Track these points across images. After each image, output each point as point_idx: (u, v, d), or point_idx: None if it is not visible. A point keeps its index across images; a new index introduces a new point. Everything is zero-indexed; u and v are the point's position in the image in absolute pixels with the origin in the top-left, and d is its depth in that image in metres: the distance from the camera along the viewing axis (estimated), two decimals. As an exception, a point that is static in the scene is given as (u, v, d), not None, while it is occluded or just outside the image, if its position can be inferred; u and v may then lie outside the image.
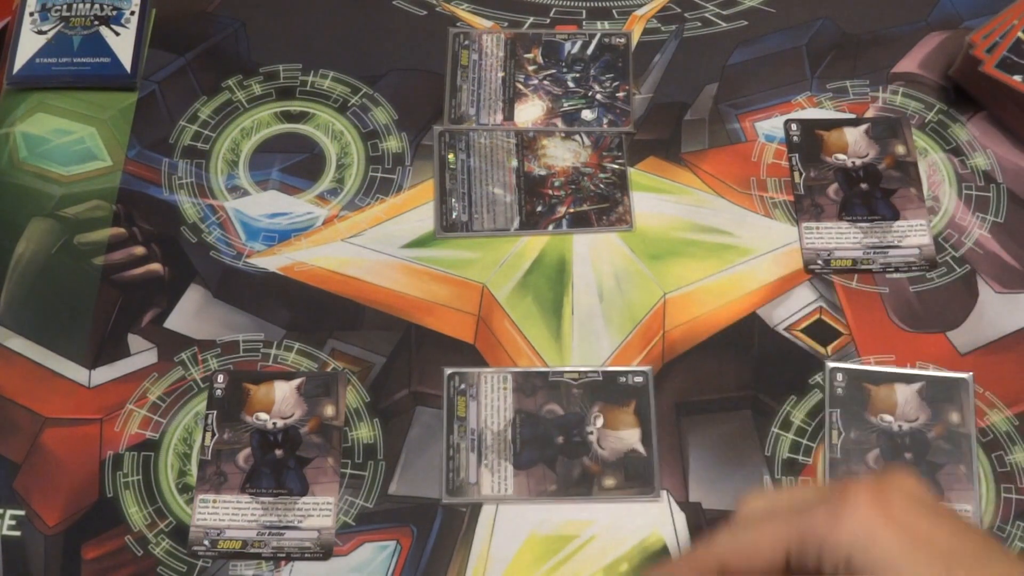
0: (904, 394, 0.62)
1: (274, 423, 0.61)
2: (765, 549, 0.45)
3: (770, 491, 0.51)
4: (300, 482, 0.60)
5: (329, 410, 0.62)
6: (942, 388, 0.63)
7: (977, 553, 0.44)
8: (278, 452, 0.60)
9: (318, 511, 0.59)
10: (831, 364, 0.64)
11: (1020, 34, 0.69)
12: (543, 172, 0.70)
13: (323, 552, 0.58)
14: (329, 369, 0.64)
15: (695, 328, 0.65)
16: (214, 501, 0.59)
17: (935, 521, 0.44)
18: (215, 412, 0.62)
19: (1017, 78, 0.68)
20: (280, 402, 0.62)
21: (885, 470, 0.46)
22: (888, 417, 0.62)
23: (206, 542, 0.59)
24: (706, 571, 0.46)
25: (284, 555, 0.58)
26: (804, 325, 0.66)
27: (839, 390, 0.63)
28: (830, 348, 0.65)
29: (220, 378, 0.62)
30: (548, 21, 0.77)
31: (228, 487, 0.60)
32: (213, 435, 0.61)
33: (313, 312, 0.67)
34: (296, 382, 0.63)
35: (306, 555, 0.58)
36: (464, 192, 0.70)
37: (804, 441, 0.62)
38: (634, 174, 0.71)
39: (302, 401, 0.62)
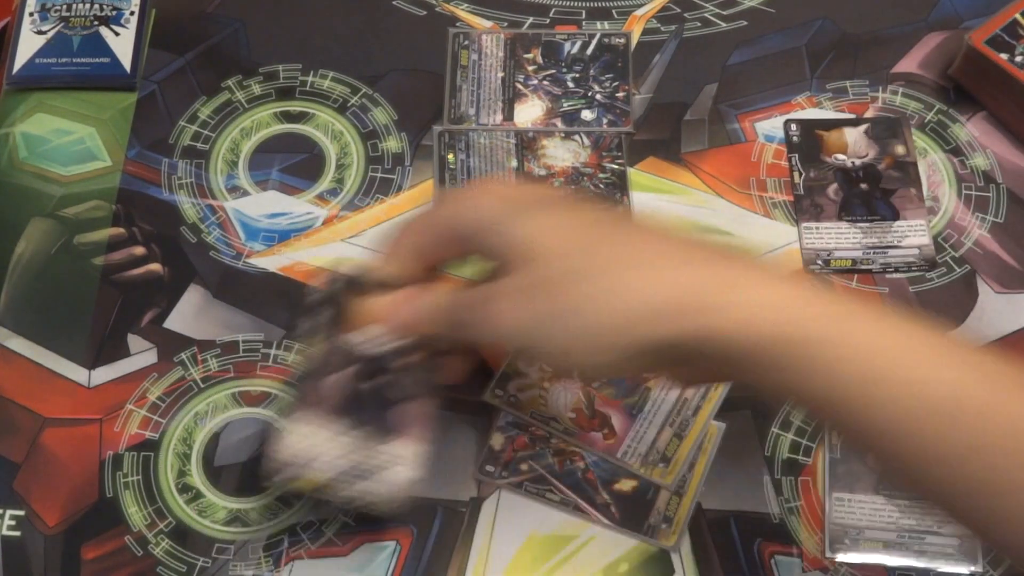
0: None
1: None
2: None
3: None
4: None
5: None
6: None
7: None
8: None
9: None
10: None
11: (1018, 15, 0.70)
12: (543, 172, 0.70)
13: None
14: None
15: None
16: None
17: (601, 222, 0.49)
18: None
19: (1004, 56, 0.68)
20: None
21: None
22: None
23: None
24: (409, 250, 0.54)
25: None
26: (804, 325, 0.66)
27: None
28: (830, 348, 0.65)
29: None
30: (548, 21, 0.77)
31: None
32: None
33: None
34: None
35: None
36: (464, 192, 0.70)
37: (804, 441, 0.62)
38: (634, 174, 0.71)
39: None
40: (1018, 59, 0.69)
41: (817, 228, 0.68)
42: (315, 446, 0.53)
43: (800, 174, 0.70)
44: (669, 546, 0.59)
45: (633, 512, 0.60)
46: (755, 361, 0.42)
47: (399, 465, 0.54)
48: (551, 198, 0.51)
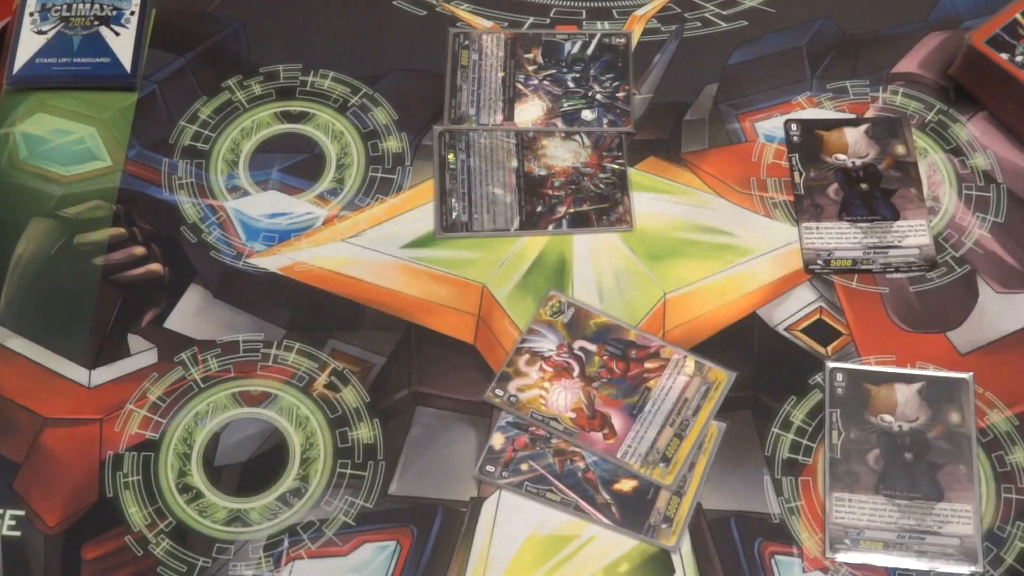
0: (904, 394, 0.62)
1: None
2: None
3: None
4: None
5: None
6: (942, 388, 0.63)
7: None
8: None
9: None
10: (831, 364, 0.64)
11: (1018, 15, 0.69)
12: (543, 172, 0.70)
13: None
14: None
15: (695, 328, 0.65)
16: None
17: None
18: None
19: (1004, 56, 0.68)
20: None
21: None
22: (888, 417, 0.62)
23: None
24: None
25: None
26: (804, 325, 0.66)
27: (839, 390, 0.63)
28: (830, 348, 0.65)
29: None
30: (548, 21, 0.77)
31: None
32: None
33: (313, 312, 0.67)
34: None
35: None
36: (464, 192, 0.70)
37: (804, 441, 0.62)
38: (634, 174, 0.71)
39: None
40: (1018, 59, 0.69)
41: (817, 228, 0.68)
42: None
43: (800, 174, 0.70)
44: (669, 546, 0.59)
45: (633, 512, 0.60)
46: None
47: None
48: None
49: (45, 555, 0.60)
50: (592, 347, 0.63)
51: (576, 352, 0.63)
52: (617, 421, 0.61)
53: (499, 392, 0.63)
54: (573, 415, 0.62)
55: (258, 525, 0.61)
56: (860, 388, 0.63)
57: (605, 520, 0.59)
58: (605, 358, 0.62)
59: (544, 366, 0.63)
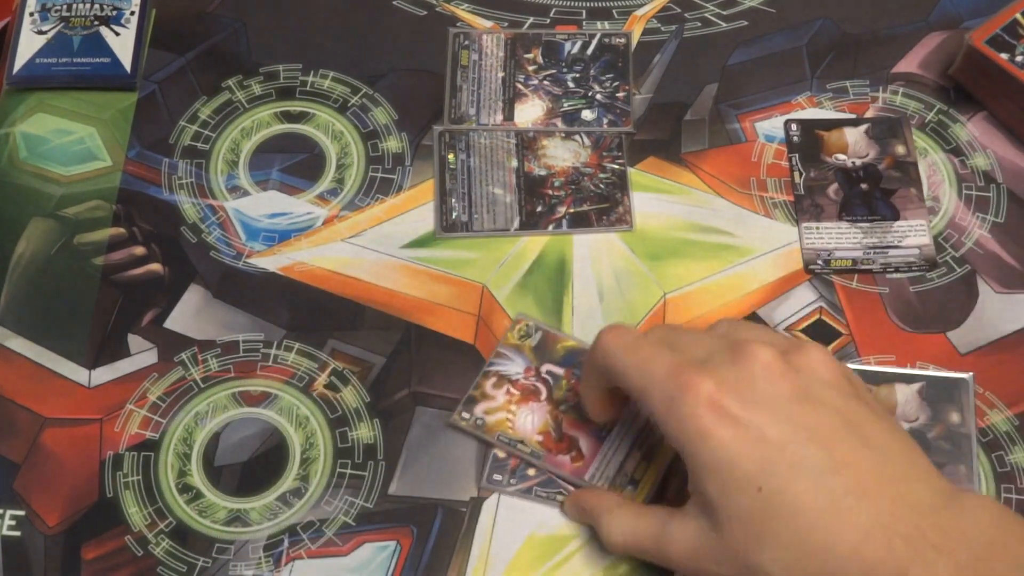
0: (904, 394, 0.62)
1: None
2: (619, 380, 0.52)
3: (629, 333, 0.53)
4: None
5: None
6: (942, 388, 0.63)
7: (805, 465, 0.45)
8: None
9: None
10: None
11: (1018, 15, 0.69)
12: (543, 172, 0.70)
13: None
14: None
15: (695, 328, 0.65)
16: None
17: (778, 416, 0.46)
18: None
19: (1004, 56, 0.68)
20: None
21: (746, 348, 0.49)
22: None
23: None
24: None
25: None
26: (804, 325, 0.66)
27: None
28: (830, 348, 0.65)
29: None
30: (548, 21, 0.77)
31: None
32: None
33: (313, 312, 0.67)
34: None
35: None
36: (464, 192, 0.70)
37: (804, 441, 0.62)
38: (634, 174, 0.71)
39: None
40: (1018, 59, 0.69)
41: (817, 228, 0.68)
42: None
43: (800, 174, 0.70)
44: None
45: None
46: None
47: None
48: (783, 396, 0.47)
49: (45, 555, 0.60)
50: (560, 370, 0.63)
51: (543, 375, 0.63)
52: (584, 444, 0.61)
53: (465, 415, 0.62)
54: (540, 438, 0.61)
55: (258, 525, 0.61)
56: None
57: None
58: (573, 381, 0.62)
59: (511, 389, 0.63)
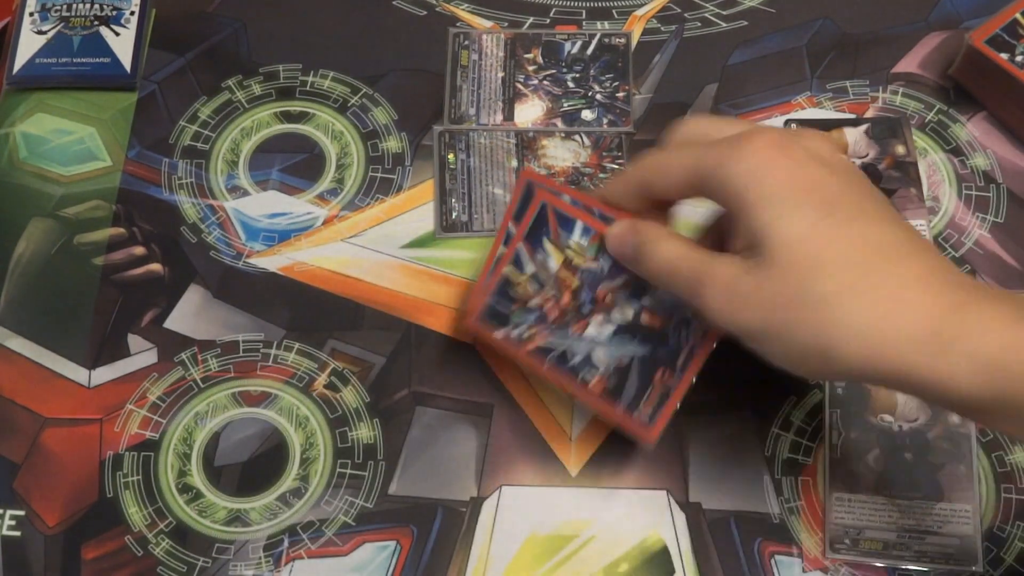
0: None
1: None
2: (676, 170, 0.50)
3: (698, 118, 0.52)
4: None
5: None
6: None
7: (864, 208, 0.46)
8: None
9: None
10: None
11: (1018, 15, 0.69)
12: (543, 172, 0.70)
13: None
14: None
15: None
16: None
17: (830, 173, 0.46)
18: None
19: (1004, 56, 0.68)
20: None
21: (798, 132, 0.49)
22: (888, 417, 0.62)
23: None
24: (631, 186, 0.53)
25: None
26: (804, 325, 0.66)
27: (839, 390, 0.63)
28: (830, 348, 0.65)
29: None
30: (548, 21, 0.77)
31: None
32: None
33: (313, 312, 0.67)
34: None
35: None
36: (464, 192, 0.70)
37: (804, 441, 0.62)
38: (634, 174, 0.71)
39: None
40: (1018, 59, 0.69)
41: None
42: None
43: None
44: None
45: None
46: (982, 411, 0.42)
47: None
48: (847, 183, 0.47)
49: (45, 555, 0.60)
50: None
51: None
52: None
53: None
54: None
55: (258, 525, 0.61)
56: (860, 388, 0.63)
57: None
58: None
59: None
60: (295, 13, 0.78)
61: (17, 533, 0.60)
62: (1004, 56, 0.69)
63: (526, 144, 0.72)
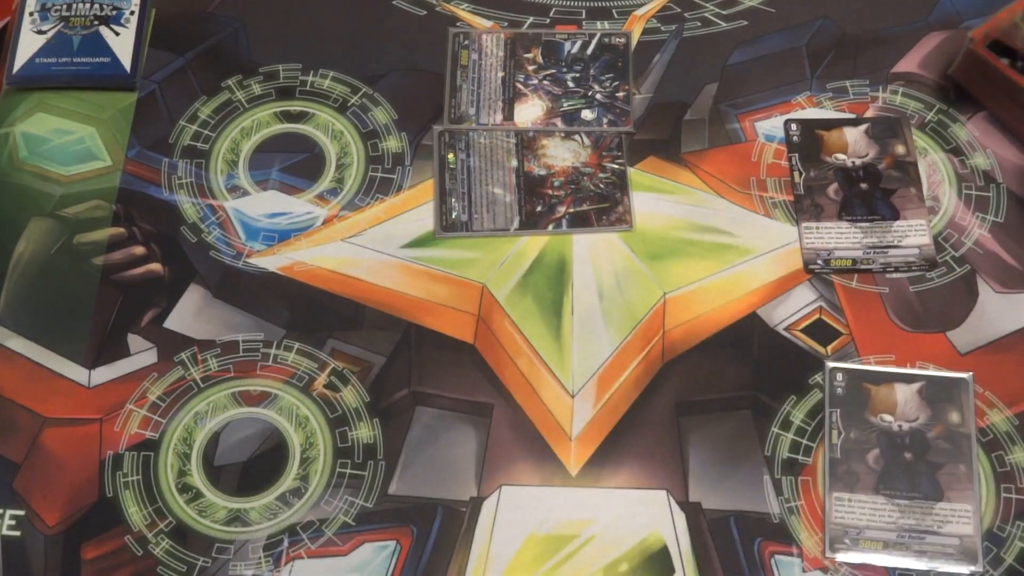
0: (904, 394, 0.62)
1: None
2: None
3: None
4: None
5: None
6: (942, 388, 0.63)
7: None
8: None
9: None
10: (831, 364, 0.64)
11: (1017, 19, 0.69)
12: (543, 172, 0.70)
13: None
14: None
15: (695, 328, 0.65)
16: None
17: None
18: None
19: (1005, 61, 0.68)
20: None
21: None
22: (888, 417, 0.62)
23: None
24: None
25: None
26: (804, 325, 0.66)
27: (839, 390, 0.63)
28: (830, 348, 0.65)
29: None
30: (548, 21, 0.77)
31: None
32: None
33: (313, 312, 0.67)
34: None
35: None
36: (464, 192, 0.70)
37: (804, 441, 0.62)
38: (634, 174, 0.71)
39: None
40: (1020, 64, 0.69)
41: (817, 228, 0.68)
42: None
43: (800, 174, 0.70)
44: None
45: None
46: None
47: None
48: None
49: (45, 555, 0.60)
50: None
51: None
52: None
53: None
54: None
55: (258, 525, 0.61)
56: (860, 388, 0.63)
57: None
58: None
59: None
60: (295, 13, 0.78)
61: (17, 533, 0.60)
62: (1004, 61, 0.69)
63: (526, 144, 0.72)
